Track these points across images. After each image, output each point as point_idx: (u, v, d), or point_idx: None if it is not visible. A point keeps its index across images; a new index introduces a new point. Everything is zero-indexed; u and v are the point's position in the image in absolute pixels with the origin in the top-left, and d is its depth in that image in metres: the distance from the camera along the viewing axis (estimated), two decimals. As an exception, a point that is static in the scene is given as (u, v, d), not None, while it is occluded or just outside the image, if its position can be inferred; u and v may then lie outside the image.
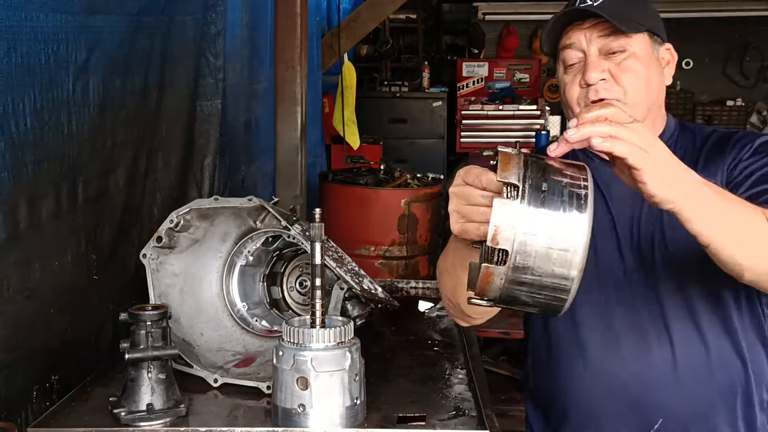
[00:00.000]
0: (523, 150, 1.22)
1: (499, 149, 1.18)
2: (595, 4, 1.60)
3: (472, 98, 7.99)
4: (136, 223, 2.30)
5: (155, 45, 2.47)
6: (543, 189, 1.10)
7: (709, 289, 1.63)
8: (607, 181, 1.68)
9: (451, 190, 1.30)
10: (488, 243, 1.10)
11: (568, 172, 1.13)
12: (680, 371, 1.63)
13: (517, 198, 1.09)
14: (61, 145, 1.96)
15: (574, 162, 1.19)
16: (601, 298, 1.68)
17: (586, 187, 1.12)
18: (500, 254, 1.11)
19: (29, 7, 1.77)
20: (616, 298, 1.67)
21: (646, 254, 1.66)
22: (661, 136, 1.70)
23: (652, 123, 1.70)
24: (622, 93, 1.62)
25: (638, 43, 1.63)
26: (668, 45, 1.71)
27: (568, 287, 1.12)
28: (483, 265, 1.12)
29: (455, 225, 1.29)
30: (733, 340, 1.64)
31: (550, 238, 1.09)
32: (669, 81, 1.71)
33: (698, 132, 1.74)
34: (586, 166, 1.18)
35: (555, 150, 1.17)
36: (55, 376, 1.95)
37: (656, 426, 1.65)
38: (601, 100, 1.62)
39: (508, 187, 1.11)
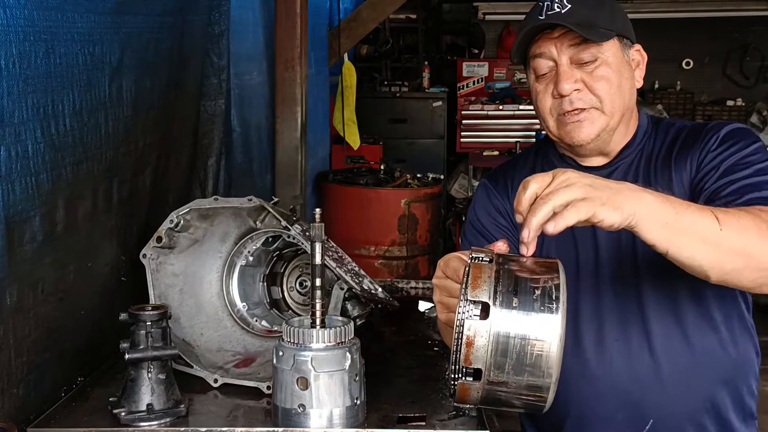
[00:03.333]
0: (499, 246, 1.23)
1: (471, 256, 1.16)
2: (563, 12, 1.58)
3: (472, 98, 7.99)
4: (156, 224, 2.31)
5: (174, 45, 2.48)
6: (514, 305, 1.10)
7: (687, 287, 1.63)
8: None
9: (434, 281, 1.34)
10: (462, 363, 1.10)
11: (539, 280, 1.12)
12: (666, 371, 1.63)
13: (488, 317, 1.09)
14: (98, 146, 1.97)
15: (547, 260, 1.18)
16: (582, 305, 1.68)
17: (558, 299, 1.11)
18: (474, 370, 1.11)
19: (65, 7, 1.77)
20: (597, 303, 1.67)
21: (625, 259, 1.66)
22: (634, 136, 1.72)
23: (626, 126, 1.70)
24: (597, 101, 1.63)
25: (609, 49, 1.62)
26: (638, 46, 1.71)
27: (547, 385, 1.11)
28: (458, 381, 1.12)
29: (441, 314, 1.35)
30: (717, 336, 1.65)
31: (523, 351, 1.09)
32: (640, 83, 1.71)
33: (672, 127, 1.74)
34: (558, 263, 1.18)
35: (527, 252, 1.19)
36: (81, 378, 1.96)
37: (647, 427, 1.66)
38: (576, 109, 1.62)
39: (478, 305, 1.10)
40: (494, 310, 1.09)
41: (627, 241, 1.65)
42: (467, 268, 1.14)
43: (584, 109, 1.63)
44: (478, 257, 1.16)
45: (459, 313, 1.11)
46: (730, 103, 8.36)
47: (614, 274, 1.67)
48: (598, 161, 1.72)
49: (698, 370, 1.64)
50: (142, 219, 2.28)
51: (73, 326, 1.92)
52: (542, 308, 1.09)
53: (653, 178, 1.66)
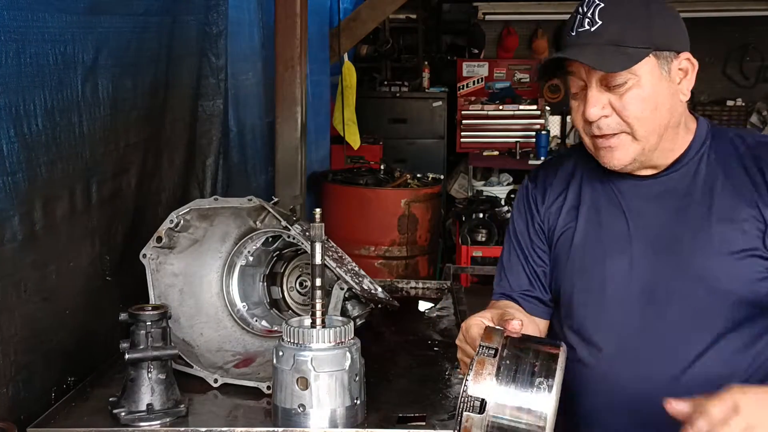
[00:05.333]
0: (513, 326, 1.33)
1: (480, 344, 1.28)
2: (592, 30, 1.52)
3: (472, 98, 7.99)
4: (146, 223, 2.29)
5: (161, 45, 2.47)
6: (509, 400, 1.24)
7: (727, 310, 1.57)
8: (625, 192, 1.64)
9: (457, 342, 1.48)
10: None
11: (536, 377, 1.25)
12: (685, 387, 1.59)
13: (483, 413, 1.23)
14: (73, 145, 1.96)
15: (551, 350, 1.30)
16: (612, 314, 1.65)
17: (550, 396, 1.23)
18: None
19: (35, 7, 1.76)
20: (629, 314, 1.64)
21: (665, 272, 1.60)
22: (689, 147, 1.63)
23: (672, 142, 1.61)
24: (626, 126, 1.55)
25: (642, 68, 1.52)
26: (686, 54, 1.57)
27: None
28: None
29: (463, 369, 1.47)
30: (747, 357, 1.59)
31: None
32: (687, 96, 1.59)
33: (742, 141, 1.63)
34: (560, 354, 1.28)
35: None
36: (72, 378, 1.95)
37: None
38: (605, 135, 1.56)
39: (477, 399, 1.24)
40: (490, 406, 1.23)
41: (666, 255, 1.60)
42: (473, 361, 1.26)
43: (614, 134, 1.56)
44: (486, 346, 1.28)
45: (461, 400, 1.26)
46: (730, 103, 8.35)
47: (646, 283, 1.61)
48: (646, 171, 1.64)
49: (721, 387, 1.62)
50: (127, 218, 2.27)
51: (60, 326, 1.92)
52: (535, 401, 1.23)
53: (727, 197, 1.57)
